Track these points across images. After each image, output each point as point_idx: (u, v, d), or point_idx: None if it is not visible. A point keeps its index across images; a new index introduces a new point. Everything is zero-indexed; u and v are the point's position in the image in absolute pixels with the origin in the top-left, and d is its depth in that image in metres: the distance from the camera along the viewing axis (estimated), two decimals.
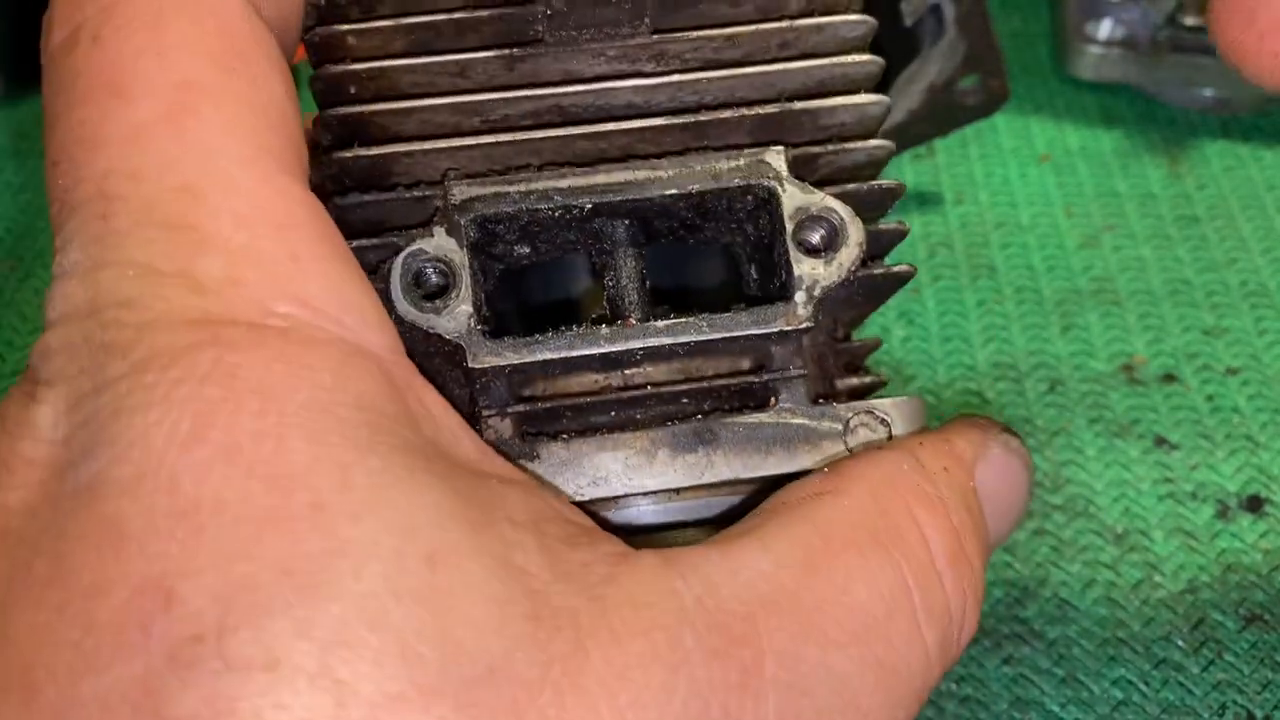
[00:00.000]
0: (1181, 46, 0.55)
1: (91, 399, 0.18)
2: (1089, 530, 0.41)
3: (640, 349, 0.27)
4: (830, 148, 0.29)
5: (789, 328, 0.27)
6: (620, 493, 0.26)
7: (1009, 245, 0.53)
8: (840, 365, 0.30)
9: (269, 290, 0.19)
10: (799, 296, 0.27)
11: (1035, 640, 0.39)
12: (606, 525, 0.24)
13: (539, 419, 0.27)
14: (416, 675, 0.17)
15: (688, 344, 0.27)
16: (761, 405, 0.28)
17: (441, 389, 0.25)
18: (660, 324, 0.27)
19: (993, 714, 0.37)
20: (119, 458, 0.18)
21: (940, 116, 0.51)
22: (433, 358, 0.27)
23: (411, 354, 0.24)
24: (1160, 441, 0.44)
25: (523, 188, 0.27)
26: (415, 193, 0.27)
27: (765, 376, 0.28)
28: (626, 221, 0.28)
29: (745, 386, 0.28)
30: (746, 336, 0.27)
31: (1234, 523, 0.41)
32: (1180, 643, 0.39)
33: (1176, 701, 0.37)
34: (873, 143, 0.29)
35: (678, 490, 0.27)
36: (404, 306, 0.26)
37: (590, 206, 0.27)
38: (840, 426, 0.27)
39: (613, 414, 0.28)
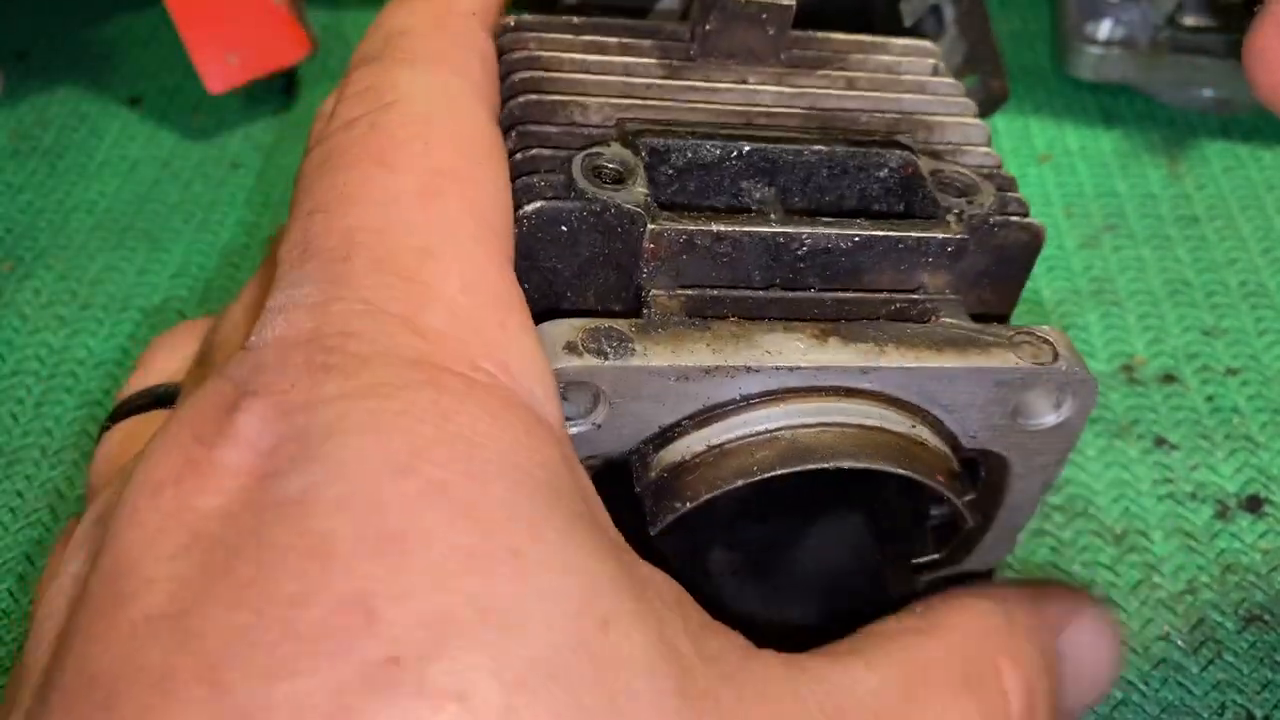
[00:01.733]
0: (1181, 47, 0.55)
1: (303, 414, 0.19)
2: (1088, 530, 0.41)
3: (807, 236, 0.29)
4: (950, 146, 0.31)
5: (947, 235, 0.29)
6: (801, 364, 0.27)
7: None
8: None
9: (479, 349, 0.21)
10: (950, 217, 0.29)
11: None
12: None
13: (704, 305, 0.28)
14: None
15: (853, 239, 0.29)
16: (922, 320, 0.29)
17: (598, 288, 0.29)
18: (826, 219, 0.29)
19: None
20: (332, 476, 0.18)
21: None
22: (598, 254, 0.28)
23: (580, 244, 0.28)
24: (1160, 442, 0.44)
25: (687, 131, 0.30)
26: (591, 130, 0.30)
27: (925, 296, 0.30)
28: (773, 189, 0.31)
29: (905, 305, 0.30)
30: (908, 239, 0.29)
31: (1233, 523, 0.41)
32: (1180, 643, 0.39)
33: (1176, 701, 0.37)
34: (983, 149, 0.32)
35: (863, 370, 0.27)
36: (584, 184, 0.28)
37: (748, 150, 0.30)
38: (1005, 339, 0.28)
39: (777, 312, 0.29)
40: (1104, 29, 0.56)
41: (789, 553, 0.36)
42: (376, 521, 0.18)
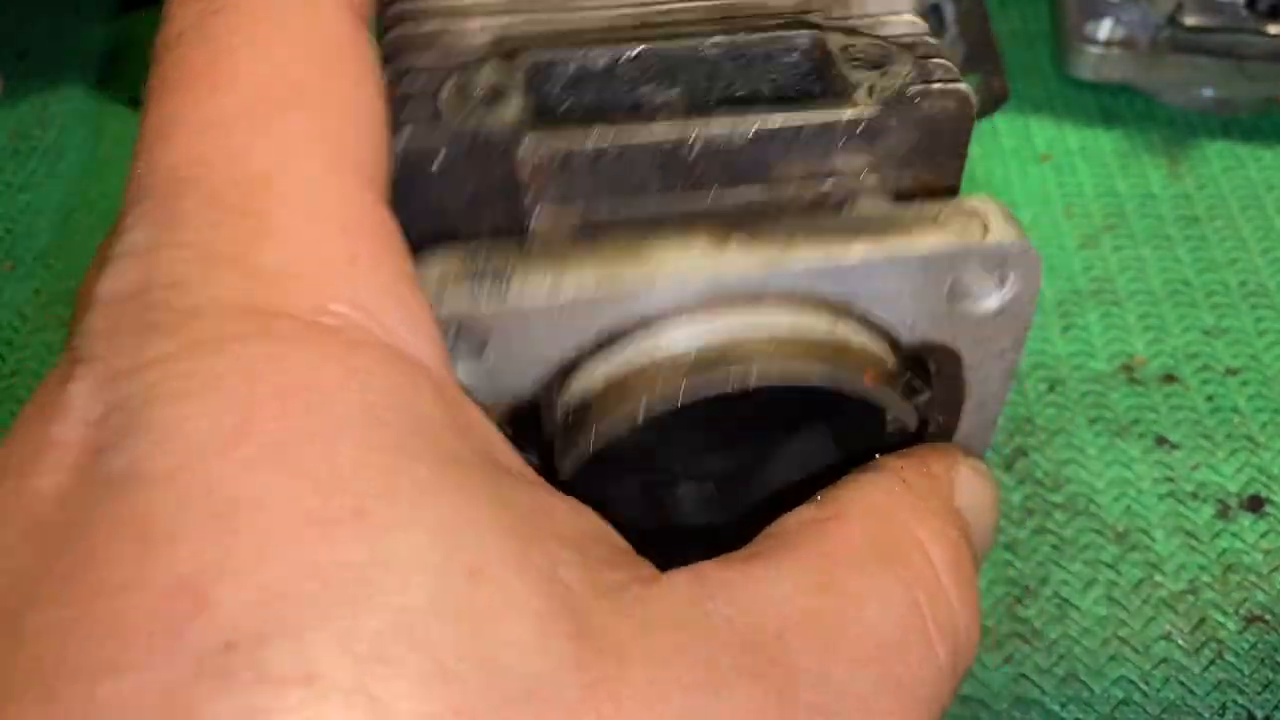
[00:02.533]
0: (1182, 47, 0.55)
1: (126, 380, 0.18)
2: (1090, 529, 0.41)
3: (696, 137, 0.26)
4: (868, 19, 0.28)
5: (856, 114, 0.26)
6: (693, 282, 0.25)
7: None
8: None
9: (325, 288, 0.19)
10: (858, 94, 0.26)
11: (1036, 639, 0.39)
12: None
13: (595, 221, 0.26)
14: (455, 695, 0.16)
15: (749, 133, 0.26)
16: (838, 209, 0.27)
17: (482, 224, 0.26)
18: (721, 113, 0.26)
19: (993, 713, 0.37)
20: (155, 448, 0.17)
21: None
22: (476, 188, 0.26)
23: (455, 179, 0.25)
24: (1161, 441, 0.44)
25: (573, 41, 0.27)
26: (468, 54, 0.27)
27: (842, 182, 0.27)
28: (675, 90, 0.27)
29: (819, 195, 0.27)
30: (812, 124, 0.26)
31: (1235, 522, 0.41)
32: (1181, 642, 0.38)
33: (1177, 701, 0.37)
34: (906, 18, 0.28)
35: (768, 274, 0.25)
36: (450, 111, 0.25)
37: (640, 51, 0.27)
38: (929, 217, 0.26)
39: (675, 220, 0.26)
40: (1104, 29, 0.56)
41: (751, 476, 0.34)
42: (203, 496, 0.16)
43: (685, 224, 0.26)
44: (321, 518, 0.17)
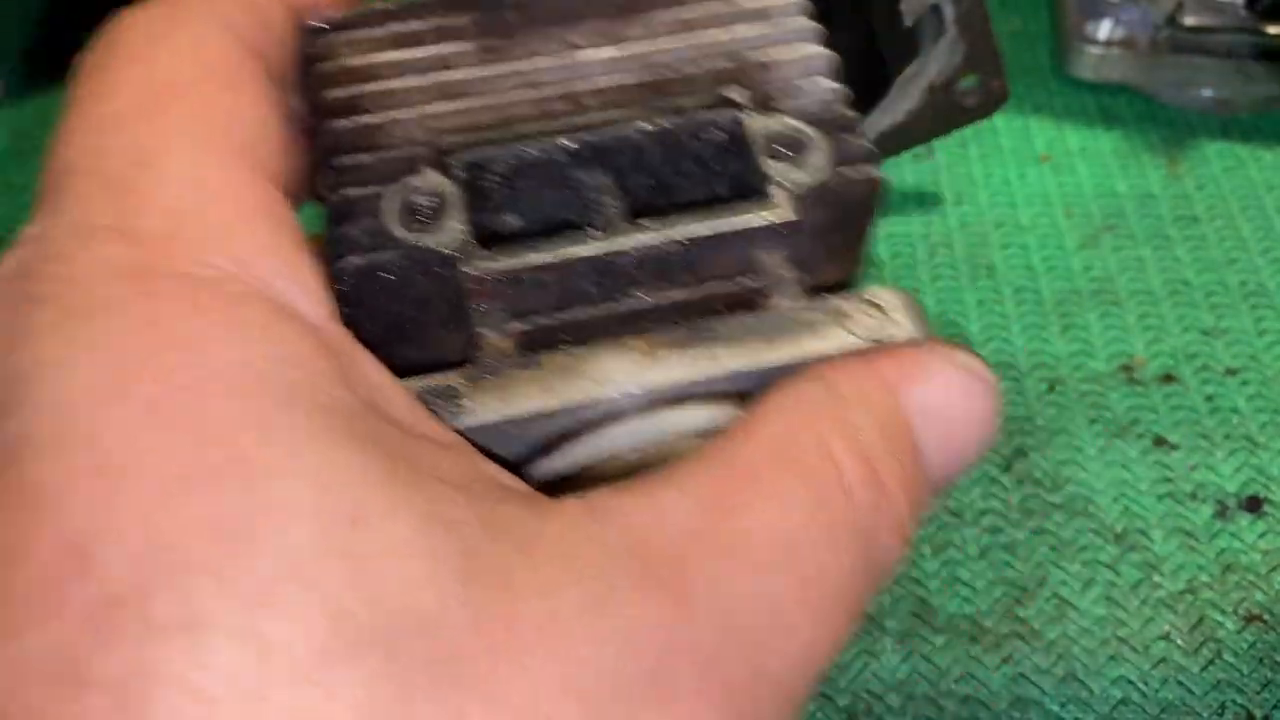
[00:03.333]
0: (1181, 47, 0.55)
1: (13, 355, 0.18)
2: (1088, 529, 0.42)
3: (632, 249, 0.27)
4: (785, 86, 0.29)
5: (774, 220, 0.27)
6: (631, 392, 0.26)
7: (1009, 245, 0.53)
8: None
9: (203, 246, 0.19)
10: (777, 194, 0.28)
11: (1035, 639, 0.39)
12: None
13: (538, 335, 0.28)
14: (345, 630, 0.16)
15: (678, 242, 0.28)
16: (756, 305, 0.28)
17: (430, 334, 0.27)
18: (649, 223, 0.27)
19: (993, 713, 0.37)
20: (37, 415, 0.17)
21: (940, 117, 0.51)
22: (423, 301, 0.27)
23: (404, 294, 0.26)
24: (1160, 441, 0.44)
25: (507, 136, 0.28)
26: (405, 151, 0.28)
27: (758, 282, 0.28)
28: (606, 176, 0.29)
29: (739, 294, 0.28)
30: (735, 232, 0.28)
31: (1233, 522, 0.41)
32: (1180, 642, 0.39)
33: (1176, 701, 0.37)
34: (825, 84, 0.29)
35: (693, 382, 0.26)
36: (397, 229, 0.27)
37: (568, 144, 0.28)
38: (837, 314, 0.27)
39: (614, 334, 0.28)
40: (1104, 29, 0.56)
41: None
42: (86, 457, 0.17)
43: (620, 330, 0.28)
44: (200, 469, 0.17)
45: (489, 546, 0.18)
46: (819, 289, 0.29)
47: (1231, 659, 0.38)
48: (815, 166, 0.28)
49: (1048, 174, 0.57)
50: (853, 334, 0.27)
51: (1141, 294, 0.50)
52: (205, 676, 0.16)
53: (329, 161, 0.27)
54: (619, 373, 0.27)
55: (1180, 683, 0.38)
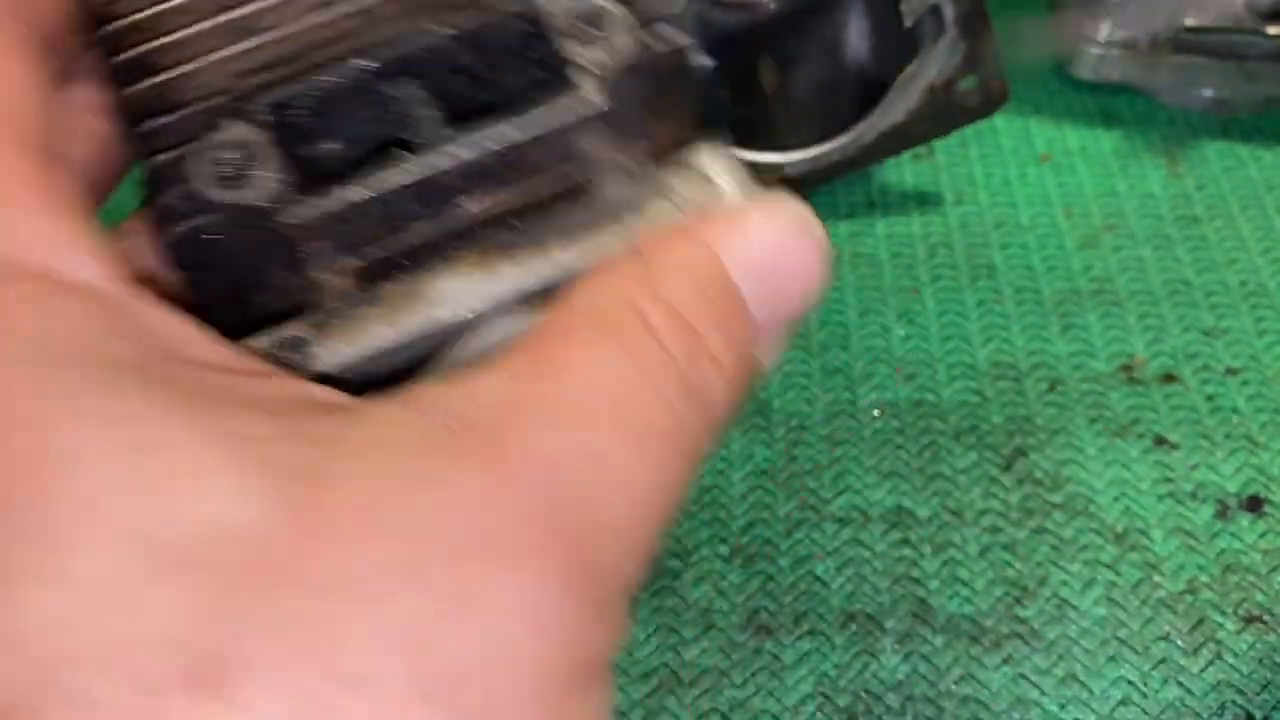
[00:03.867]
0: (1181, 47, 0.55)
1: None
2: (1089, 529, 0.42)
3: (448, 165, 0.28)
4: None
5: (583, 110, 0.28)
6: (471, 307, 0.27)
7: (1009, 245, 0.53)
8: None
9: None
10: (584, 82, 0.28)
11: (1035, 640, 0.39)
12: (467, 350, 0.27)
13: (376, 269, 0.28)
14: (153, 555, 0.16)
15: (490, 150, 0.28)
16: (582, 195, 0.29)
17: (270, 286, 0.27)
18: (461, 135, 0.28)
19: (993, 713, 0.37)
20: None
21: (940, 117, 0.51)
22: (254, 257, 0.28)
23: (233, 253, 0.27)
24: (1160, 441, 0.44)
25: (306, 68, 0.28)
26: (205, 105, 0.28)
27: (581, 171, 0.29)
28: (419, 85, 0.29)
29: (565, 187, 0.29)
30: (548, 129, 0.28)
31: (1234, 523, 0.41)
32: (1180, 643, 0.39)
33: (1176, 702, 0.37)
34: None
35: (527, 298, 0.27)
36: (209, 191, 0.27)
37: (376, 67, 0.28)
38: (661, 188, 0.28)
39: (447, 251, 0.29)
40: (1104, 29, 0.56)
41: None
42: None
43: (455, 245, 0.28)
44: None
45: (296, 450, 0.18)
46: (646, 164, 0.30)
47: (1232, 660, 0.38)
48: (618, 45, 0.29)
49: (1048, 174, 0.57)
50: (677, 206, 0.28)
51: (1142, 294, 0.50)
52: (15, 620, 0.15)
53: (134, 130, 0.27)
54: (457, 292, 0.28)
55: (1180, 683, 0.38)
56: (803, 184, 0.52)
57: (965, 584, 0.40)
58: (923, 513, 0.42)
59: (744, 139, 0.56)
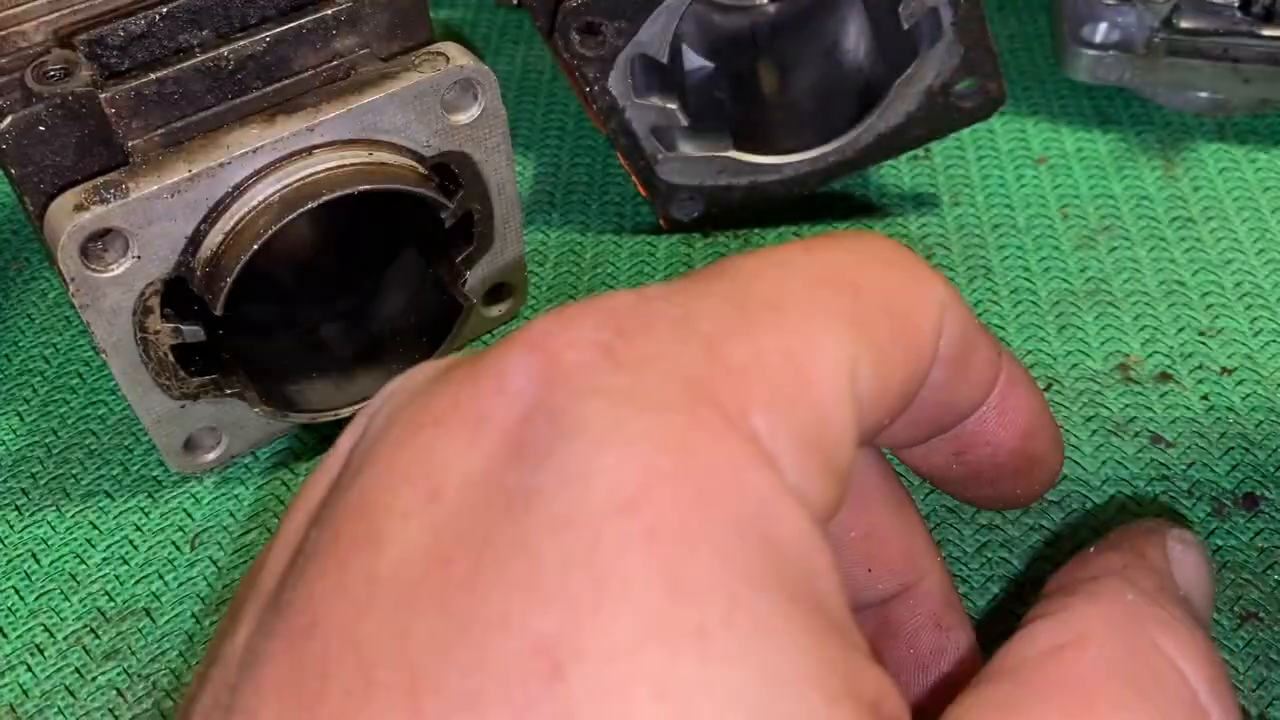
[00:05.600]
0: (1177, 50, 0.55)
1: (565, 389, 0.18)
2: (1086, 526, 0.42)
3: (229, 53, 0.37)
4: None
5: (334, 10, 0.38)
6: (260, 144, 0.36)
7: (1005, 246, 0.54)
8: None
9: (762, 396, 0.19)
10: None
11: None
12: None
13: (176, 136, 0.37)
14: None
15: (263, 42, 0.38)
16: (346, 77, 0.39)
17: (92, 162, 0.36)
18: (237, 35, 0.38)
19: None
20: (563, 484, 0.17)
21: (937, 119, 0.51)
22: (78, 137, 0.36)
23: (59, 136, 0.35)
24: (1156, 439, 0.44)
25: (116, 14, 0.38)
26: (36, 48, 0.37)
27: (341, 61, 0.39)
28: (206, 32, 0.38)
29: (331, 72, 0.39)
30: (304, 25, 0.38)
31: (1229, 520, 0.42)
32: None
33: None
34: None
35: (309, 129, 0.37)
36: (39, 88, 0.35)
37: (165, 11, 0.37)
38: (408, 66, 0.38)
39: (234, 118, 0.38)
40: (1100, 32, 0.57)
41: (372, 306, 0.46)
42: (583, 554, 0.16)
43: (242, 116, 0.37)
44: (670, 621, 0.16)
45: None
46: (394, 56, 0.40)
47: (1227, 656, 0.38)
48: None
49: (1044, 175, 0.57)
50: (423, 74, 0.38)
51: (1138, 294, 0.51)
52: None
53: None
54: (245, 137, 0.36)
55: None
56: (801, 185, 0.52)
57: (963, 580, 0.41)
58: (921, 510, 0.43)
59: (743, 140, 0.57)
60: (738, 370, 0.19)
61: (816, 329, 0.20)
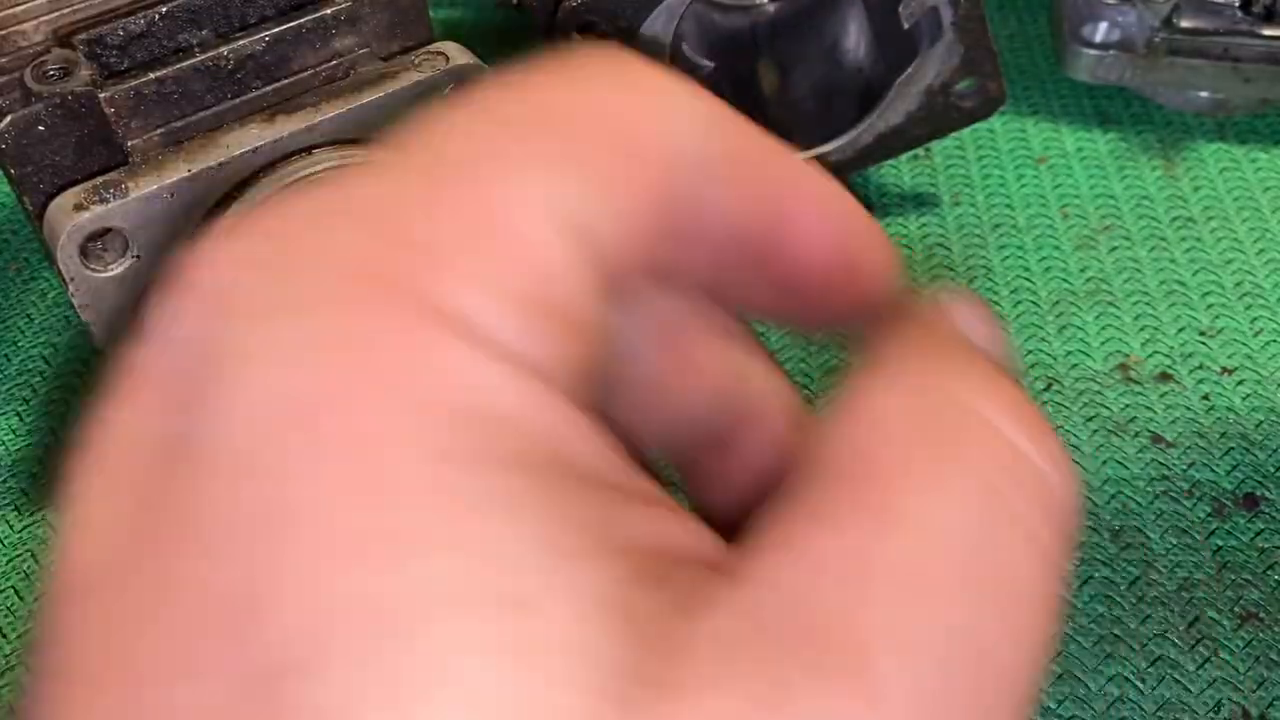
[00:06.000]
0: (1177, 50, 0.55)
1: (220, 319, 0.16)
2: (1085, 526, 0.42)
3: (228, 53, 0.37)
4: None
5: (331, 10, 0.38)
6: (259, 144, 0.36)
7: (1006, 246, 0.54)
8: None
9: (447, 262, 0.17)
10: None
11: None
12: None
13: (176, 135, 0.37)
14: None
15: (262, 42, 0.38)
16: (345, 77, 0.39)
17: (91, 162, 0.36)
18: (237, 35, 0.38)
19: None
20: (217, 421, 0.15)
21: (938, 119, 0.51)
22: (78, 136, 0.36)
23: (59, 136, 0.35)
24: (1156, 439, 0.44)
25: (115, 15, 0.38)
26: (36, 48, 0.37)
27: (340, 61, 0.39)
28: (205, 31, 0.38)
29: (330, 72, 0.39)
30: (304, 25, 0.38)
31: (1229, 520, 0.42)
32: (1176, 640, 0.39)
33: (1172, 699, 0.37)
34: None
35: (308, 129, 0.37)
36: (38, 87, 0.35)
37: (164, 11, 0.37)
38: (407, 65, 0.38)
39: (234, 117, 0.38)
40: (1100, 32, 0.56)
41: None
42: (257, 489, 0.15)
43: (241, 117, 0.37)
44: (370, 537, 0.15)
45: (647, 644, 0.16)
46: (394, 56, 0.39)
47: (1228, 656, 0.38)
48: None
49: (1045, 175, 0.57)
50: (424, 73, 0.38)
51: (1138, 294, 0.51)
52: None
53: None
54: (245, 137, 0.36)
55: (1177, 680, 0.38)
56: None
57: None
58: None
59: None
60: (423, 245, 0.17)
61: (519, 179, 0.17)
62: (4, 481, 0.46)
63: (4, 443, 0.47)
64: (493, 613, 0.15)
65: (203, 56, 0.37)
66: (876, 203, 0.56)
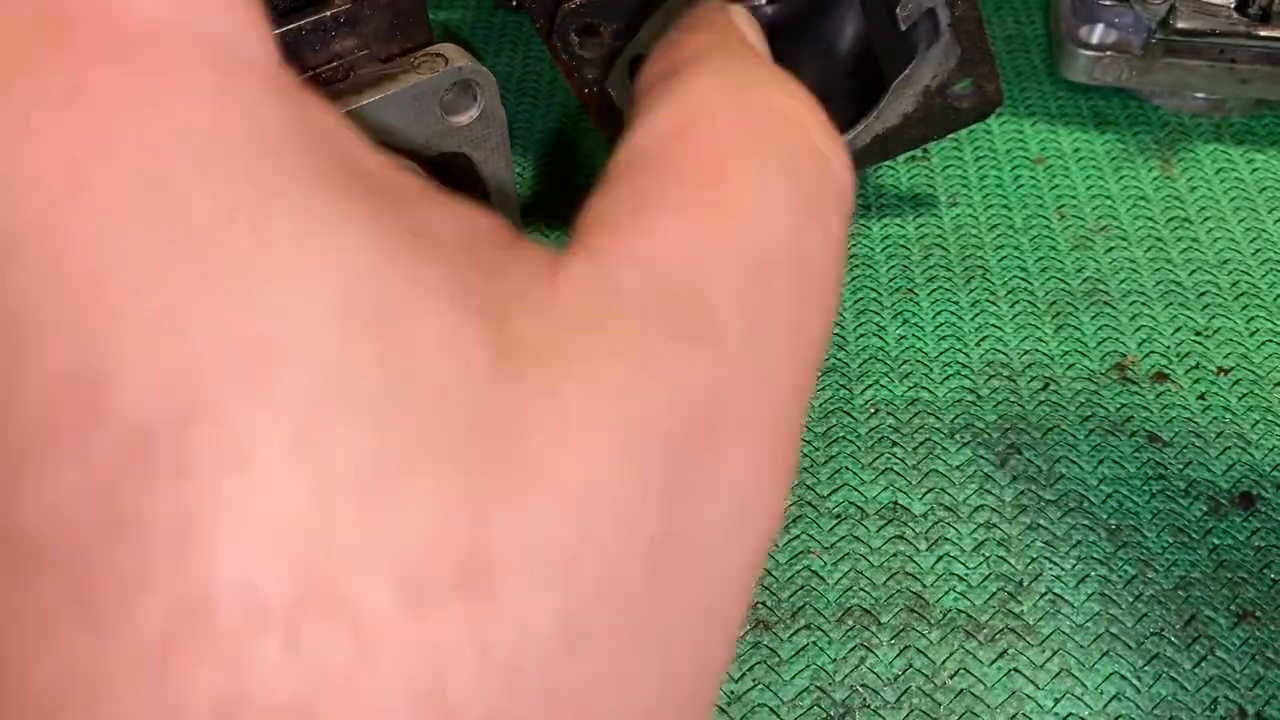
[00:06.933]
0: (1174, 51, 0.56)
1: None
2: (1082, 525, 0.42)
3: None
4: None
5: (334, 12, 0.38)
6: None
7: (1003, 247, 0.54)
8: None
9: None
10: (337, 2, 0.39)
11: (1029, 635, 0.39)
12: None
13: None
14: (398, 441, 0.14)
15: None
16: (344, 78, 0.39)
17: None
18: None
19: (987, 707, 0.38)
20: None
21: (935, 120, 0.51)
22: None
23: None
24: (1153, 439, 0.45)
25: None
26: None
27: (340, 63, 0.39)
28: None
29: (329, 73, 0.39)
30: (304, 26, 0.38)
31: (1226, 519, 0.42)
32: (1172, 638, 0.39)
33: (1169, 697, 0.37)
34: None
35: None
36: None
37: None
38: (408, 67, 0.39)
39: None
40: (1097, 33, 0.57)
41: None
42: (55, 274, 0.13)
43: None
44: (199, 281, 0.14)
45: (509, 314, 0.16)
46: (393, 58, 0.40)
47: (1224, 655, 0.38)
48: None
49: (1041, 176, 0.57)
50: (423, 75, 0.38)
51: (1134, 294, 0.51)
52: (267, 507, 0.13)
53: None
54: None
55: (1173, 679, 0.38)
56: None
57: (960, 579, 0.41)
58: (918, 509, 0.43)
59: None
60: None
61: None
62: None
63: None
64: (362, 322, 0.14)
65: None
66: (874, 203, 0.56)
